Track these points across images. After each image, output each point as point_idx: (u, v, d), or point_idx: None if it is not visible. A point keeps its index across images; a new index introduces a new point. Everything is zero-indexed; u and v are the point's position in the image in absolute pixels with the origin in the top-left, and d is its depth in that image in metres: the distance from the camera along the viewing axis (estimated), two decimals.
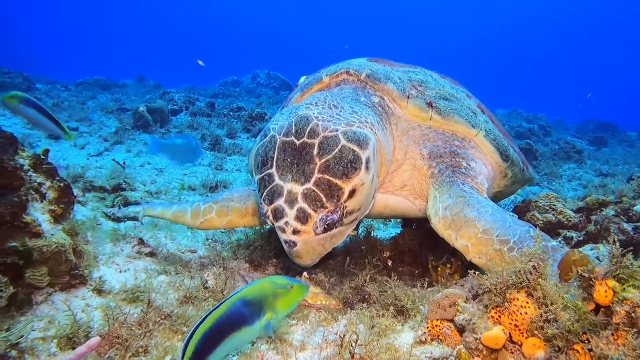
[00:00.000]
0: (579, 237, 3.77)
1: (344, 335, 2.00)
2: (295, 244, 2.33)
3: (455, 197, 2.80)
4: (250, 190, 3.42)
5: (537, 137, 12.40)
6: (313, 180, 2.30)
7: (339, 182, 2.33)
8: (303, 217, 2.28)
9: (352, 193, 2.38)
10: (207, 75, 26.47)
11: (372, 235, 3.79)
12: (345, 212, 2.40)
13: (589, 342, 1.75)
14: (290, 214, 2.28)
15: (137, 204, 4.77)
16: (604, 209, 3.96)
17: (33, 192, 2.64)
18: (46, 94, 13.86)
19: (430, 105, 3.08)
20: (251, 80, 19.91)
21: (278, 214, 2.31)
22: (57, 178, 2.77)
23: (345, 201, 2.36)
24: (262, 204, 2.39)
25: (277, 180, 2.33)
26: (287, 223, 2.30)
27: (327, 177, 2.32)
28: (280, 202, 2.30)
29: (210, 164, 8.15)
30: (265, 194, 2.35)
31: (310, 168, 2.33)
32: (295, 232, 2.31)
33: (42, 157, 2.86)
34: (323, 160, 2.33)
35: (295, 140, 2.41)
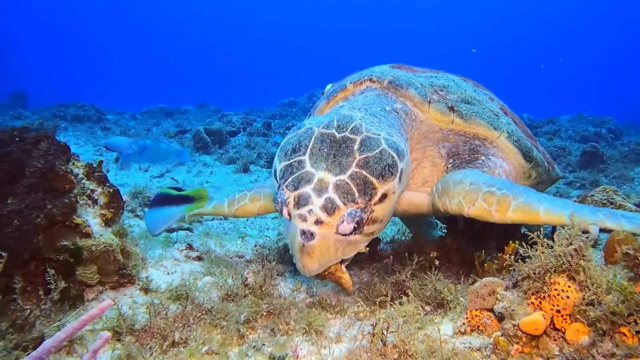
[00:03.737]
0: None
1: (376, 324, 1.96)
2: (312, 235, 2.16)
3: (449, 174, 2.96)
4: None
5: (604, 141, 11.73)
6: (349, 172, 2.23)
7: (374, 181, 2.26)
8: (330, 208, 2.16)
9: (383, 197, 2.31)
10: (265, 98, 27.27)
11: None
12: (370, 216, 2.30)
13: (636, 323, 1.62)
14: (317, 202, 2.15)
15: None
16: None
17: (86, 198, 2.81)
18: (115, 123, 14.80)
19: (451, 109, 3.12)
20: (307, 99, 20.18)
21: (302, 201, 2.18)
22: (107, 184, 2.93)
23: (375, 203, 2.28)
24: (283, 190, 2.26)
25: (308, 167, 2.25)
26: (310, 211, 2.16)
27: (364, 172, 2.25)
28: (307, 189, 2.19)
29: (267, 179, 8.32)
30: (290, 179, 2.25)
31: (348, 160, 2.26)
32: (318, 222, 2.16)
33: (95, 166, 3.04)
34: (363, 156, 2.29)
35: (336, 133, 2.37)
